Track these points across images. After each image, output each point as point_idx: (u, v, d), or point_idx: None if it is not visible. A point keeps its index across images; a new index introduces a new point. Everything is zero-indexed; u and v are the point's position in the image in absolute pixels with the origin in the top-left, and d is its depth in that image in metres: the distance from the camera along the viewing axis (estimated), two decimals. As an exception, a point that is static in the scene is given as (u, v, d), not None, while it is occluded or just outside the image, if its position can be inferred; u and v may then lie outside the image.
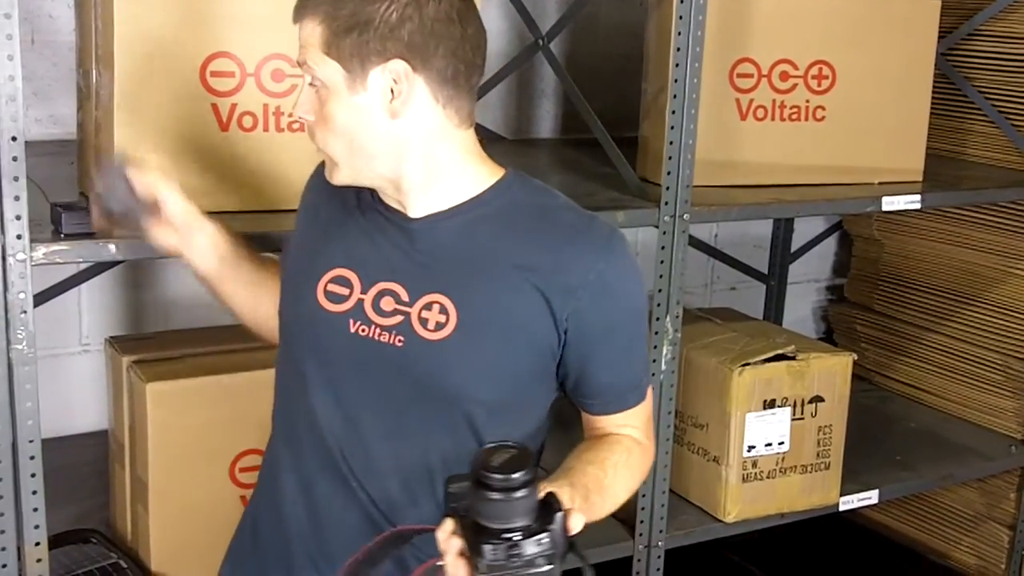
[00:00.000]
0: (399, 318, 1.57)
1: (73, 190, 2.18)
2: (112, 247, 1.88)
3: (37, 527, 1.88)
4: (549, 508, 1.30)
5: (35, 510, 1.87)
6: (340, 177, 1.59)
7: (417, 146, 1.55)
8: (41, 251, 1.81)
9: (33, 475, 1.86)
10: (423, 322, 1.56)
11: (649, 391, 1.71)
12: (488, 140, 3.10)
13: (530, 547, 1.28)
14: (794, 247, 3.69)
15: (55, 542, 2.18)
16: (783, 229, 3.63)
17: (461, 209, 1.59)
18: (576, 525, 1.31)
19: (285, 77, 2.05)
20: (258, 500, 1.77)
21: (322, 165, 1.68)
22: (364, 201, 1.65)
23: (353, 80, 1.51)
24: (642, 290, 1.64)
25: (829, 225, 3.78)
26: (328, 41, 1.51)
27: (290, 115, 2.07)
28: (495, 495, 1.27)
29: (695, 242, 3.46)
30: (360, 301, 1.58)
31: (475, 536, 1.29)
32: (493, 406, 1.58)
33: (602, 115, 2.58)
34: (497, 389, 1.58)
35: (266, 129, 2.07)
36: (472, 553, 1.29)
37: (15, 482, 1.85)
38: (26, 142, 2.56)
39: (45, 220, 1.92)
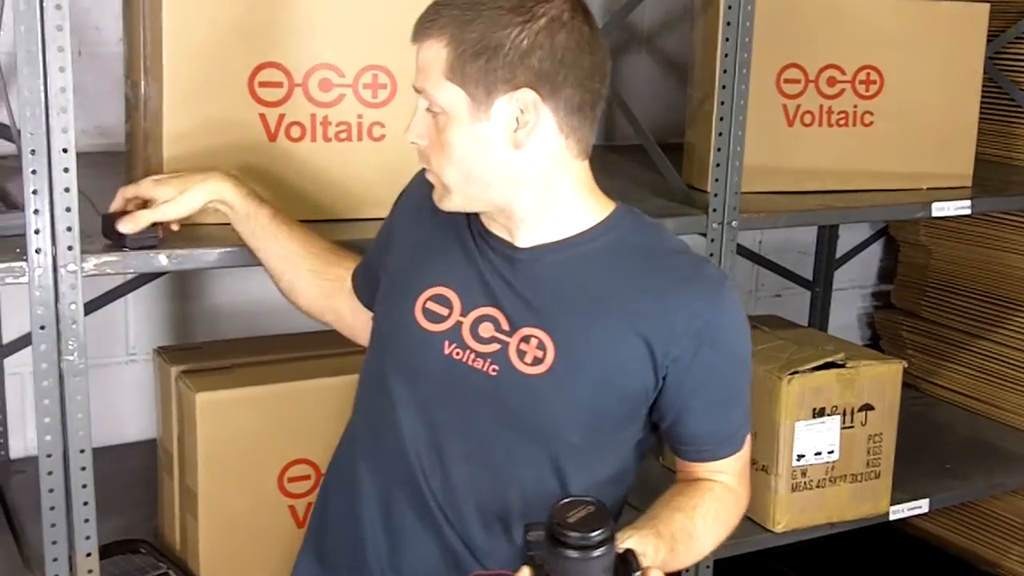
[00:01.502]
0: (496, 347, 1.55)
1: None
2: (163, 258, 1.88)
3: (88, 538, 1.88)
4: (628, 566, 1.29)
5: (86, 521, 1.87)
6: (450, 203, 1.55)
7: (535, 177, 1.51)
8: (92, 262, 1.81)
9: (84, 486, 1.86)
10: (521, 354, 1.54)
11: (748, 440, 1.67)
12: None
13: None
14: (839, 253, 3.65)
15: (104, 552, 2.17)
16: (828, 235, 3.60)
17: (569, 243, 1.56)
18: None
19: (333, 87, 2.05)
20: (328, 510, 1.74)
21: (415, 179, 1.70)
22: (471, 223, 1.61)
23: (477, 107, 1.46)
24: (747, 340, 1.62)
25: (874, 231, 3.74)
26: (452, 66, 1.45)
27: (338, 124, 2.07)
28: (572, 553, 1.26)
29: (740, 249, 3.44)
30: (458, 324, 1.56)
31: None
32: (580, 447, 1.56)
33: (646, 122, 2.57)
34: (587, 430, 1.56)
35: (314, 139, 2.06)
36: None
37: (66, 493, 1.86)
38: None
39: (95, 231, 1.93)
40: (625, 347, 1.52)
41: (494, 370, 1.54)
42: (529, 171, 1.51)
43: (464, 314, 1.56)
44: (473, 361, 1.55)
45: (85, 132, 2.67)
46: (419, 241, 1.65)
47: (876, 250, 3.84)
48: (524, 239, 1.57)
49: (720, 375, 1.58)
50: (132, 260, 1.87)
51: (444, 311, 1.57)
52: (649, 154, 2.51)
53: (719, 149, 2.27)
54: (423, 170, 1.60)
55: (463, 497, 1.59)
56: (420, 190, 1.66)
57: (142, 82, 2.05)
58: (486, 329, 1.55)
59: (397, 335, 1.61)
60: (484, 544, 1.59)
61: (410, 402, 1.59)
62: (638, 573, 1.30)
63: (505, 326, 1.55)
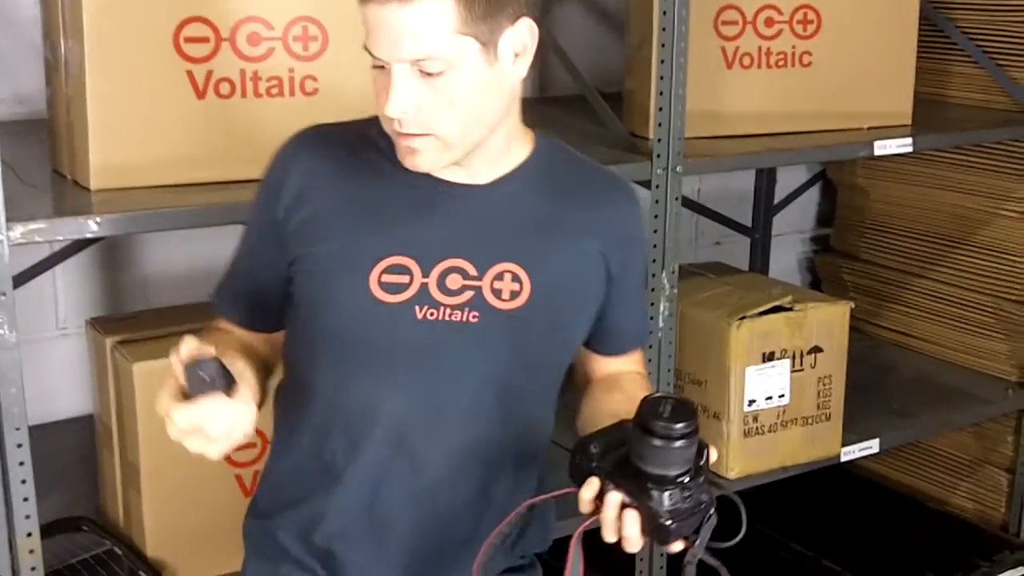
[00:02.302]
0: (470, 293, 1.50)
1: (45, 170, 2.10)
2: (93, 223, 1.81)
3: (28, 517, 1.82)
4: (701, 451, 1.35)
5: (25, 500, 1.81)
6: (445, 159, 1.46)
7: (511, 107, 1.50)
8: (18, 230, 1.73)
9: (22, 463, 1.79)
10: (496, 293, 1.51)
11: None
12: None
13: (701, 490, 1.33)
14: (777, 199, 3.64)
15: (46, 531, 2.10)
16: (766, 181, 3.58)
17: (520, 171, 1.55)
18: (713, 458, 1.37)
19: (261, 40, 1.98)
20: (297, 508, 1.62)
21: (299, 142, 1.55)
22: (399, 175, 1.51)
23: (487, 52, 1.41)
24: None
25: (811, 175, 3.73)
26: (465, 18, 1.37)
27: (268, 79, 2.00)
28: (676, 444, 1.30)
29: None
30: (423, 286, 1.49)
31: (642, 486, 1.31)
32: (563, 369, 1.62)
33: (583, 72, 2.52)
34: (570, 351, 1.62)
35: (244, 95, 1.99)
36: (643, 502, 1.31)
37: (3, 472, 1.78)
38: (-14, 123, 2.55)
39: (20, 199, 1.85)
40: (586, 260, 1.57)
41: (474, 316, 1.50)
42: (511, 103, 1.50)
43: (426, 274, 1.50)
44: (450, 316, 1.50)
45: (2, 100, 2.57)
46: (339, 213, 1.51)
47: (814, 194, 3.83)
48: (485, 175, 1.53)
49: (639, 272, 1.71)
50: (61, 227, 1.79)
51: (403, 279, 1.49)
52: (589, 103, 2.47)
53: (661, 93, 2.23)
54: (293, 146, 1.55)
55: (463, 459, 1.56)
56: (306, 162, 1.53)
57: (61, 43, 1.96)
58: (454, 281, 1.50)
59: (357, 319, 1.50)
60: (477, 498, 1.58)
61: (392, 385, 1.52)
62: (707, 452, 1.36)
63: (472, 271, 1.51)
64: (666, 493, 1.31)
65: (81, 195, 1.93)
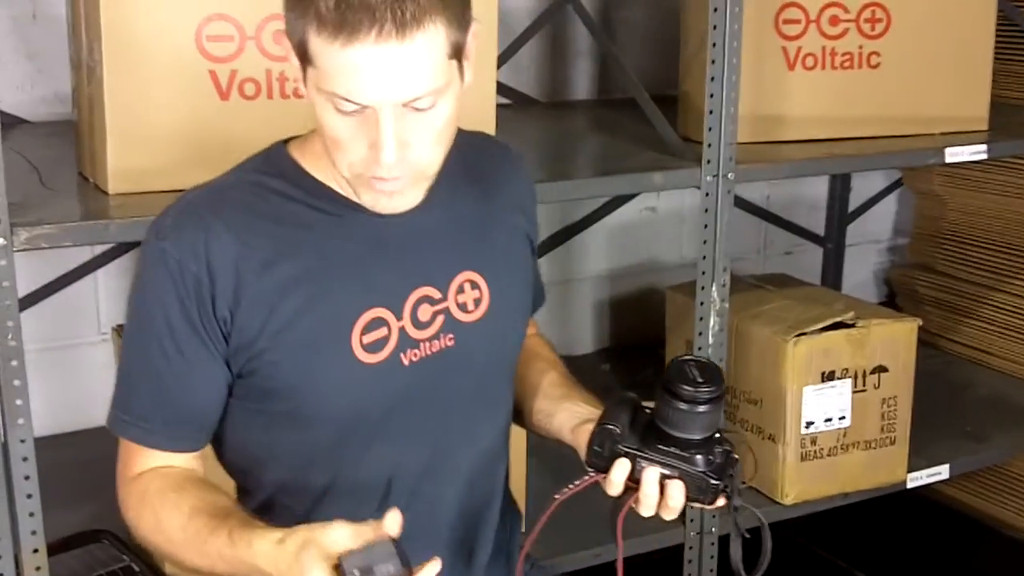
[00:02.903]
0: (440, 319, 1.43)
1: (71, 172, 2.03)
2: (113, 228, 1.74)
3: (34, 533, 1.75)
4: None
5: (31, 515, 1.74)
6: (420, 193, 1.35)
7: None
8: (23, 235, 1.67)
9: (27, 477, 1.73)
10: (462, 307, 1.45)
11: None
12: (520, 104, 2.95)
13: (728, 444, 1.35)
14: (852, 207, 3.50)
15: (65, 545, 2.07)
16: (839, 188, 3.44)
17: (443, 173, 1.41)
18: None
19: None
20: None
21: (195, 223, 1.35)
22: (330, 221, 1.38)
23: (462, 68, 1.31)
24: None
25: (889, 183, 3.58)
26: (451, 39, 1.26)
27: (296, 80, 1.91)
28: (708, 407, 1.32)
29: (746, 204, 3.31)
30: (401, 330, 1.40)
31: (680, 454, 1.32)
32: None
33: (642, 74, 2.41)
34: (524, 337, 1.58)
35: (270, 96, 1.91)
36: (685, 470, 1.32)
37: (8, 486, 1.72)
38: (31, 123, 2.51)
39: (32, 203, 1.79)
40: (518, 241, 1.55)
41: (450, 340, 1.44)
42: None
43: (400, 316, 1.40)
44: (431, 349, 1.43)
45: (44, 100, 2.53)
46: (295, 292, 1.35)
47: (891, 203, 3.67)
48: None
49: (536, 231, 1.63)
50: (74, 233, 1.73)
51: (383, 332, 1.39)
52: (642, 107, 2.35)
53: (712, 95, 2.10)
54: (191, 231, 1.34)
55: (472, 481, 1.51)
56: (226, 247, 1.34)
57: (84, 41, 1.90)
58: (424, 312, 1.42)
59: (353, 396, 1.39)
60: (485, 508, 1.53)
61: (398, 441, 1.43)
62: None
63: (437, 295, 1.44)
64: (703, 454, 1.33)
65: (99, 199, 1.87)
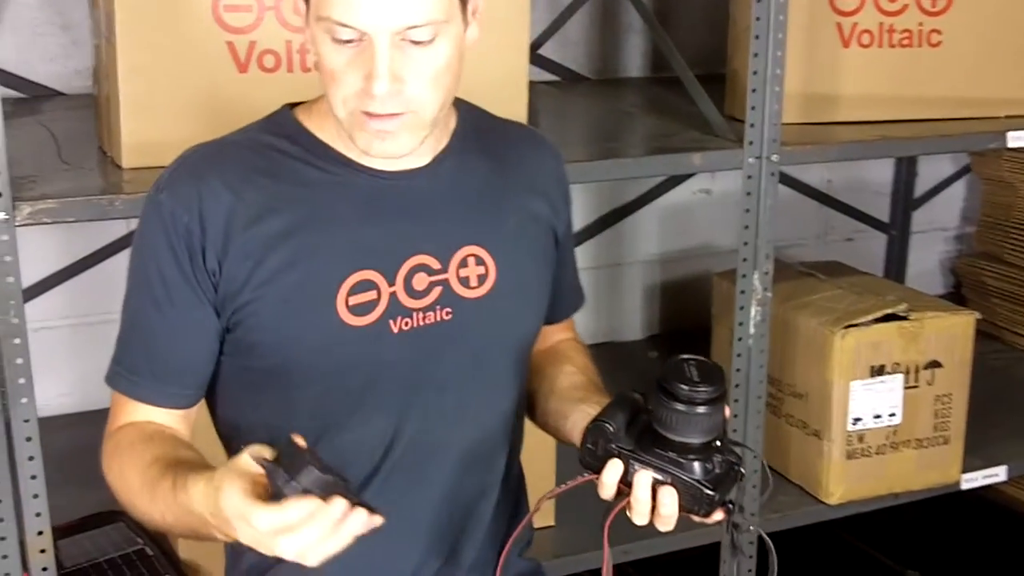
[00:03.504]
0: (438, 290, 1.36)
1: (92, 146, 1.99)
2: (119, 204, 1.69)
3: (39, 515, 1.71)
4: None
5: (35, 497, 1.70)
6: (417, 140, 1.30)
7: None
8: (26, 210, 1.62)
9: (31, 458, 1.68)
10: (464, 282, 1.38)
11: None
12: (569, 80, 2.86)
13: (730, 450, 1.26)
14: (918, 192, 3.36)
15: (80, 526, 2.03)
16: (905, 173, 3.30)
17: (454, 145, 1.41)
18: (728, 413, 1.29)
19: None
20: None
21: (192, 173, 1.33)
22: (328, 178, 1.34)
23: (464, 12, 1.28)
24: None
25: (957, 168, 3.43)
26: None
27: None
28: (707, 408, 1.22)
29: (805, 188, 3.18)
30: (392, 295, 1.34)
31: (674, 458, 1.24)
32: (532, 343, 1.50)
33: (697, 50, 2.31)
34: (540, 323, 1.50)
35: (290, 69, 1.85)
36: (678, 476, 1.24)
37: (12, 467, 1.68)
38: (64, 95, 2.47)
39: (44, 176, 1.75)
40: (538, 225, 1.46)
41: (447, 313, 1.37)
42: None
43: (392, 282, 1.34)
44: (424, 320, 1.36)
45: (78, 72, 2.49)
46: (283, 246, 1.31)
47: (959, 189, 3.51)
48: (425, 155, 1.37)
49: (571, 227, 1.57)
50: (75, 208, 1.68)
51: (371, 295, 1.33)
52: (685, 86, 2.25)
53: (755, 72, 2.00)
54: (186, 180, 1.32)
55: (464, 462, 1.42)
56: (220, 197, 1.31)
57: (101, 12, 1.85)
58: (420, 281, 1.36)
59: (334, 358, 1.34)
60: (478, 494, 1.45)
61: (382, 412, 1.36)
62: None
63: (436, 265, 1.37)
64: (701, 461, 1.24)
65: (111, 174, 1.82)
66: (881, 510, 2.43)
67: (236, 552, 1.46)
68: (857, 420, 2.27)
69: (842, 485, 2.30)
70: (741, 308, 2.10)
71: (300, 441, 1.12)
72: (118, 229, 2.53)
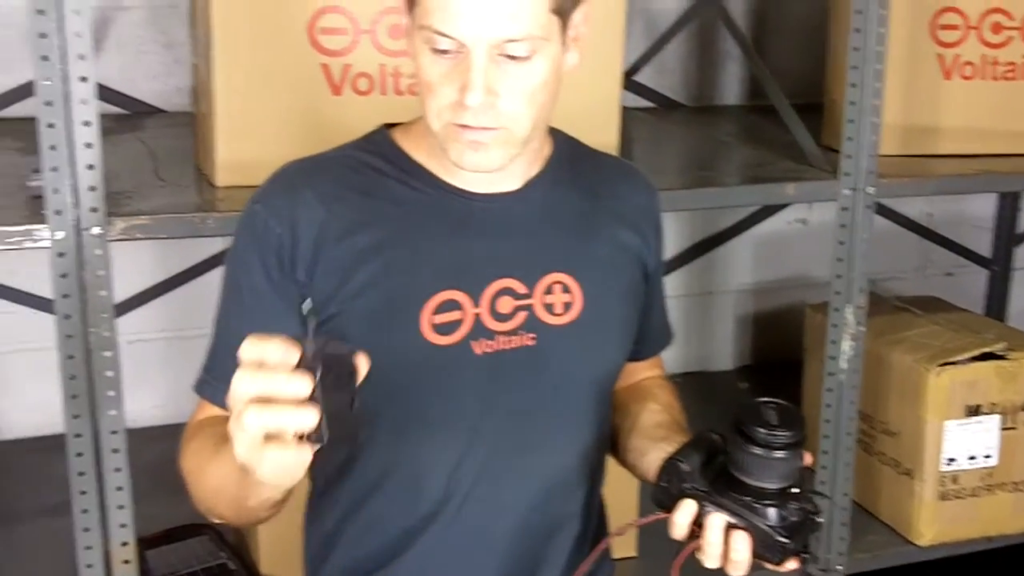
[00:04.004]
0: (523, 315, 1.35)
1: (189, 164, 2.02)
2: (211, 222, 1.72)
3: (124, 526, 1.73)
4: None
5: (120, 507, 1.72)
6: (508, 156, 1.29)
7: None
8: (120, 225, 1.65)
9: (118, 470, 1.71)
10: (548, 308, 1.36)
11: None
12: (665, 108, 2.84)
13: (808, 499, 1.22)
14: (1022, 228, 3.27)
15: (165, 537, 2.06)
16: (1008, 207, 3.21)
17: (547, 172, 1.39)
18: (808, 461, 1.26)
19: (404, 34, 1.83)
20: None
21: (286, 186, 1.34)
22: (417, 196, 1.35)
23: (565, 34, 1.28)
24: None
25: (1065, 203, 3.33)
26: None
27: (411, 76, 1.85)
28: (784, 454, 1.19)
29: (905, 221, 3.12)
30: (476, 317, 1.33)
31: (749, 503, 1.21)
32: (616, 377, 1.47)
33: (796, 79, 2.28)
34: (624, 357, 1.47)
35: (383, 92, 1.86)
36: (752, 520, 1.20)
37: (99, 479, 1.71)
38: (165, 112, 2.52)
39: (140, 193, 1.78)
40: (627, 257, 1.44)
41: (531, 339, 1.35)
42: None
43: (477, 303, 1.33)
44: (507, 344, 1.34)
45: (179, 90, 2.54)
46: (371, 262, 1.31)
47: (1066, 225, 3.42)
48: (516, 179, 1.37)
49: (663, 265, 1.54)
50: (167, 225, 1.70)
51: (455, 316, 1.32)
52: (782, 115, 2.23)
53: (852, 103, 1.96)
54: (281, 193, 1.33)
55: (542, 491, 1.40)
56: (312, 211, 1.31)
57: (200, 32, 1.88)
58: (504, 304, 1.34)
59: (416, 377, 1.32)
60: (554, 525, 1.43)
61: (461, 434, 1.35)
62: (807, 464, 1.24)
63: (522, 289, 1.35)
64: (776, 507, 1.20)
65: (206, 192, 1.85)
66: (972, 554, 2.36)
67: (316, 561, 1.47)
68: (951, 460, 2.21)
69: (934, 527, 2.24)
70: (833, 342, 2.06)
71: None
72: (215, 246, 2.57)
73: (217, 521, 1.40)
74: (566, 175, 1.41)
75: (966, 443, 2.21)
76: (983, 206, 3.27)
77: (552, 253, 1.38)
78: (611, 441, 1.50)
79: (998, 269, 3.28)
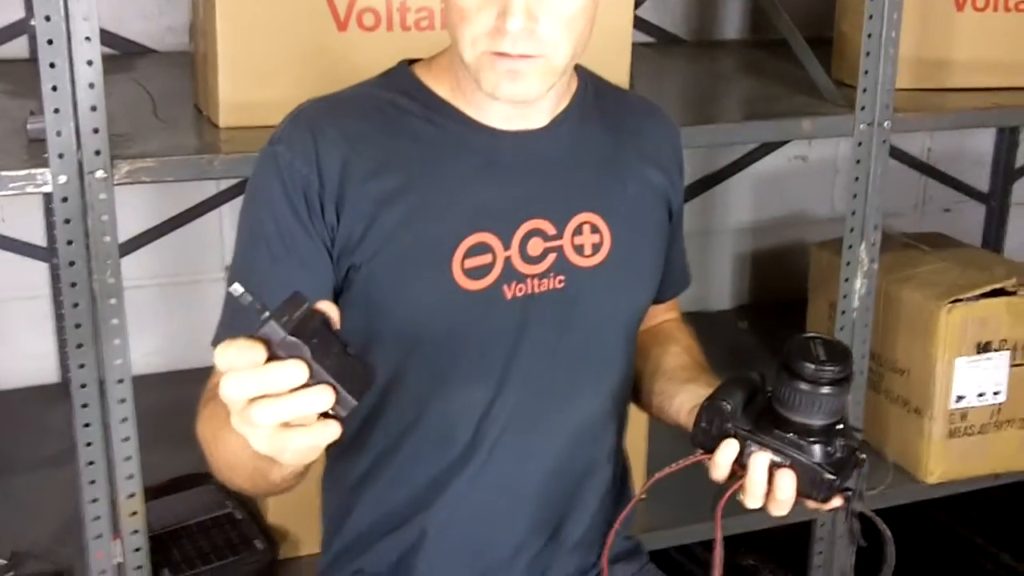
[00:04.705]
0: (552, 256, 1.32)
1: (188, 104, 1.96)
2: (217, 163, 1.66)
3: (130, 477, 1.70)
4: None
5: (127, 458, 1.69)
6: (545, 86, 1.25)
7: None
8: (124, 168, 1.60)
9: (124, 420, 1.67)
10: (578, 250, 1.33)
11: None
12: (665, 43, 2.79)
13: (851, 435, 1.21)
14: (1020, 162, 3.24)
15: (170, 487, 2.02)
16: (1006, 142, 3.18)
17: (573, 108, 1.36)
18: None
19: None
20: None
21: (309, 126, 1.28)
22: (443, 135, 1.30)
23: None
24: None
25: (1063, 137, 3.30)
26: None
27: (418, 10, 1.80)
28: (832, 389, 1.17)
29: (904, 156, 3.09)
30: (507, 259, 1.30)
31: (795, 440, 1.19)
32: (642, 319, 1.45)
33: (797, 13, 2.23)
34: (650, 299, 1.45)
35: (390, 28, 1.81)
36: (798, 458, 1.19)
37: (105, 428, 1.67)
38: (157, 52, 2.45)
39: (141, 135, 1.73)
40: (654, 196, 1.41)
41: (560, 281, 1.32)
42: None
43: (507, 246, 1.30)
44: (537, 287, 1.31)
45: (172, 29, 2.47)
46: (399, 204, 1.27)
47: (1065, 159, 3.39)
48: (543, 115, 1.33)
49: (683, 202, 1.50)
50: (174, 167, 1.65)
51: (486, 259, 1.29)
52: (793, 48, 2.18)
53: (869, 35, 1.92)
54: (303, 133, 1.28)
55: (572, 436, 1.39)
56: (336, 151, 1.27)
57: (198, -35, 1.82)
58: (535, 246, 1.31)
59: (447, 322, 1.29)
60: (586, 471, 1.41)
61: (492, 379, 1.32)
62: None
63: (552, 230, 1.32)
64: (822, 444, 1.18)
65: (208, 133, 1.80)
66: (977, 491, 2.36)
67: (337, 519, 1.44)
68: (960, 398, 2.20)
69: (942, 464, 2.23)
70: (846, 280, 2.04)
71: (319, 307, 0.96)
72: (208, 189, 2.51)
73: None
74: (592, 112, 1.37)
75: (976, 380, 2.19)
76: (981, 140, 3.24)
77: (581, 192, 1.34)
78: (631, 386, 1.48)
79: (996, 204, 3.25)
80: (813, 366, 1.16)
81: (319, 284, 1.27)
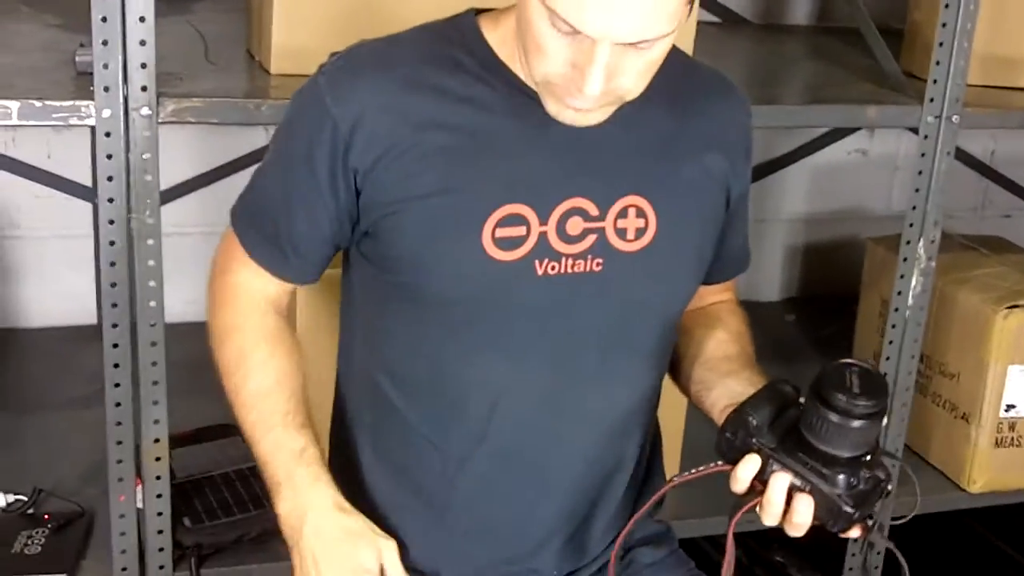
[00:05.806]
0: (592, 238, 1.26)
1: (239, 47, 1.93)
2: (265, 108, 1.63)
3: (157, 422, 1.67)
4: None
5: (155, 403, 1.66)
6: (607, 112, 1.20)
7: None
8: (170, 107, 1.56)
9: (154, 364, 1.65)
10: (621, 234, 1.27)
11: None
12: (731, 23, 2.73)
13: (879, 466, 1.16)
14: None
15: (196, 436, 1.99)
16: (1075, 149, 3.10)
17: None
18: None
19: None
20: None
21: (357, 67, 1.26)
22: (495, 101, 1.25)
23: (687, 10, 1.16)
24: None
25: None
26: None
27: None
28: (862, 423, 1.13)
29: (966, 157, 3.02)
30: (542, 235, 1.25)
31: (817, 467, 1.15)
32: (684, 307, 1.39)
33: (867, 0, 2.17)
34: (696, 286, 1.39)
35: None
36: (818, 485, 1.15)
37: (135, 371, 1.64)
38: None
39: (189, 75, 1.70)
40: (711, 182, 1.34)
41: (598, 264, 1.27)
42: None
43: (544, 221, 1.24)
44: (573, 267, 1.26)
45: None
46: (436, 161, 1.24)
47: None
48: None
49: (749, 187, 1.43)
50: (220, 110, 1.62)
51: (520, 231, 1.24)
52: (864, 35, 2.12)
53: (944, 25, 1.85)
54: (349, 73, 1.26)
55: (597, 422, 1.34)
56: (380, 98, 1.24)
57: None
58: (574, 225, 1.25)
59: (472, 289, 1.26)
60: (611, 460, 1.38)
61: (513, 355, 1.28)
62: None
63: (594, 211, 1.26)
64: (846, 475, 1.14)
65: (258, 78, 1.77)
66: (1018, 504, 2.29)
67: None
68: (1010, 407, 2.14)
69: (986, 474, 2.17)
70: (901, 277, 1.98)
71: None
72: (257, 139, 2.49)
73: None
74: (657, 91, 1.25)
75: (1027, 390, 2.13)
76: (1048, 146, 3.16)
77: (630, 175, 1.28)
78: (673, 367, 1.43)
79: (1058, 213, 3.17)
80: (845, 398, 1.12)
81: (327, 218, 1.28)
